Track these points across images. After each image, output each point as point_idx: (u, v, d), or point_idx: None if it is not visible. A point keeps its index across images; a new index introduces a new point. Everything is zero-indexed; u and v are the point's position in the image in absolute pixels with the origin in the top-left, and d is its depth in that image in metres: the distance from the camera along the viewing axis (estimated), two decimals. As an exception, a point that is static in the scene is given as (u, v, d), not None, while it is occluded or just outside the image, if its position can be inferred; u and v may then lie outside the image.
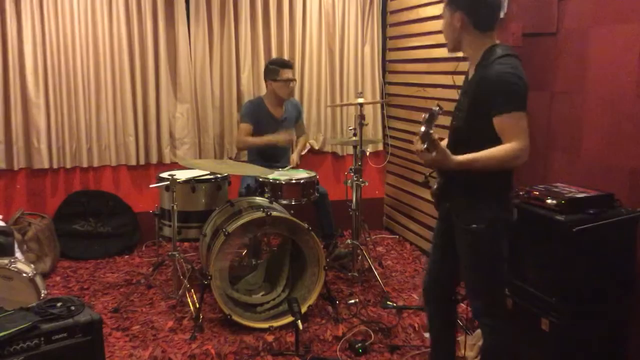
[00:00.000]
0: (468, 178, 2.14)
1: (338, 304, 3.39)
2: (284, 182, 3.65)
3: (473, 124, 2.15)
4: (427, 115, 1.96)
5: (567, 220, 2.36)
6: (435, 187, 2.33)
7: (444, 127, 3.95)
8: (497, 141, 2.08)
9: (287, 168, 4.00)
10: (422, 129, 1.95)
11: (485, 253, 2.21)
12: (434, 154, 1.99)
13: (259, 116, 4.13)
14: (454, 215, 2.28)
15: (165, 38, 4.40)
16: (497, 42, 2.19)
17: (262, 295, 3.44)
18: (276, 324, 3.15)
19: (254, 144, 4.14)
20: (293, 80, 4.17)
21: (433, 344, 2.62)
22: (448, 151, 2.03)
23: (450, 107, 3.86)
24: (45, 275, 3.81)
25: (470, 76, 2.24)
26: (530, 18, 3.17)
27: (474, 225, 2.17)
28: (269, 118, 4.16)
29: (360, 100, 3.73)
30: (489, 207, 2.17)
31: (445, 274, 2.47)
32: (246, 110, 4.18)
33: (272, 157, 4.21)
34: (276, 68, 4.08)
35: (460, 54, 2.35)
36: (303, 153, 4.61)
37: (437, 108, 1.99)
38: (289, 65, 4.14)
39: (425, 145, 1.96)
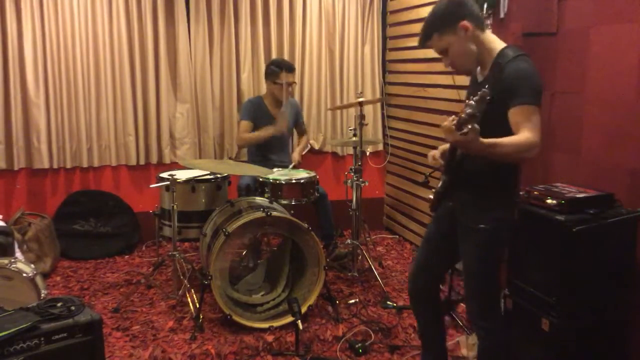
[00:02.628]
0: (474, 177, 2.14)
1: (338, 304, 3.39)
2: (284, 182, 3.65)
3: (489, 122, 2.10)
4: (477, 98, 1.80)
5: (567, 220, 2.35)
6: (439, 186, 2.31)
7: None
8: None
9: (288, 168, 4.00)
10: (469, 110, 1.80)
11: (490, 253, 2.21)
12: (469, 135, 1.84)
13: (258, 115, 4.13)
14: (460, 215, 2.27)
15: (165, 38, 4.41)
16: (504, 43, 2.18)
17: (262, 295, 3.44)
18: (276, 324, 3.15)
19: (252, 138, 4.11)
20: (293, 83, 4.16)
21: (423, 342, 2.63)
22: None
23: (449, 107, 3.90)
24: (45, 275, 3.81)
25: (481, 78, 2.21)
26: (530, 18, 3.17)
27: (482, 225, 2.16)
28: (268, 117, 4.15)
29: (361, 99, 3.73)
30: (496, 207, 2.17)
31: (432, 272, 2.47)
32: (245, 108, 4.18)
33: (273, 156, 4.21)
34: (277, 70, 4.06)
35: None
36: (304, 153, 4.60)
37: (487, 91, 1.83)
38: (290, 68, 4.10)
39: (467, 129, 1.81)
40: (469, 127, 1.83)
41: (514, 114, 2.04)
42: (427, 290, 2.50)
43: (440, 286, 2.65)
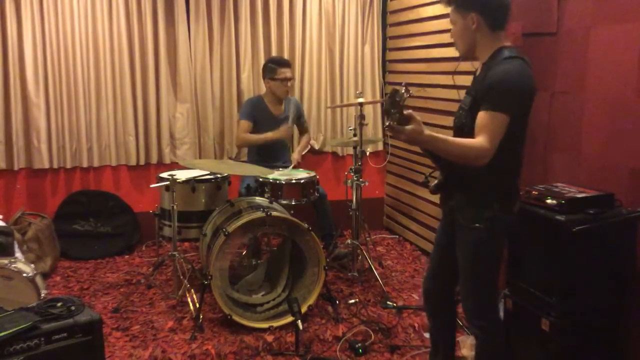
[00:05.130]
0: (469, 176, 2.15)
1: (338, 304, 3.39)
2: (284, 182, 3.65)
3: (474, 121, 2.14)
4: (389, 93, 1.91)
5: (567, 220, 2.35)
6: (433, 184, 2.33)
7: (445, 127, 3.97)
8: (502, 140, 2.07)
9: (289, 169, 4.00)
10: (384, 107, 1.96)
11: (485, 253, 2.22)
12: (408, 127, 1.92)
13: (258, 114, 4.13)
14: (457, 214, 2.28)
15: (165, 38, 4.41)
16: (507, 44, 2.19)
17: (262, 295, 3.44)
18: (276, 324, 3.15)
19: (253, 140, 4.12)
20: (291, 79, 4.16)
21: (433, 344, 2.63)
22: (422, 125, 1.96)
23: (449, 107, 3.90)
24: (45, 275, 3.81)
25: (477, 75, 2.24)
26: (530, 18, 3.17)
27: (476, 224, 2.17)
28: (269, 116, 4.16)
29: (360, 100, 3.73)
30: (492, 206, 2.17)
31: (445, 273, 2.47)
32: (245, 107, 4.18)
33: (273, 156, 4.21)
34: (274, 67, 4.08)
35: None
36: (304, 152, 4.60)
37: (401, 89, 1.90)
38: (286, 63, 4.13)
39: (389, 122, 1.91)
40: (388, 123, 1.92)
41: (478, 117, 2.08)
42: (441, 292, 2.50)
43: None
